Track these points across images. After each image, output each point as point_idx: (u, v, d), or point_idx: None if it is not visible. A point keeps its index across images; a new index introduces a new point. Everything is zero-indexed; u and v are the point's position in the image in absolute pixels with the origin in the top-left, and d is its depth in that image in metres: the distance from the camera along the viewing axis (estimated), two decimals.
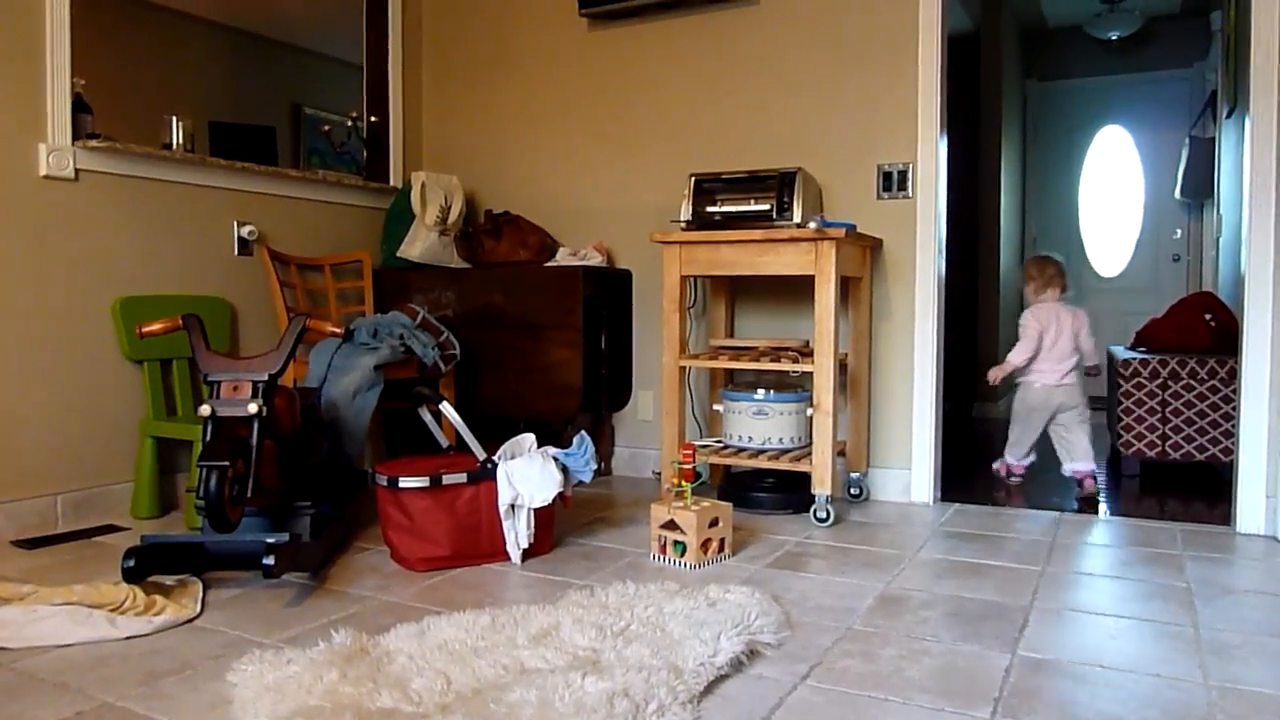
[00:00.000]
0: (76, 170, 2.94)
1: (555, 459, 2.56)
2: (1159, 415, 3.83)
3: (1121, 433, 3.90)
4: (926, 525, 3.02)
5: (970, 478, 3.83)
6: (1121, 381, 3.91)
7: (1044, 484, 3.72)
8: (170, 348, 3.15)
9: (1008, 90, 6.26)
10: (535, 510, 2.52)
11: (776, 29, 3.55)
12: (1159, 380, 3.84)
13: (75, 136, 2.93)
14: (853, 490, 3.36)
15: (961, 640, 1.97)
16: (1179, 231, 6.65)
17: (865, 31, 3.38)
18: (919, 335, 3.33)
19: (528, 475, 2.50)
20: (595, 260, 3.65)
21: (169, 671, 1.80)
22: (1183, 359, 3.82)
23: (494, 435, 2.75)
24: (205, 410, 2.24)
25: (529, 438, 2.70)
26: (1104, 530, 2.97)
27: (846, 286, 3.34)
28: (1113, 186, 6.88)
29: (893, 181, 3.36)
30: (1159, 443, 3.83)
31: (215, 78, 4.93)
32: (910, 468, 3.36)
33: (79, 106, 2.97)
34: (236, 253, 3.44)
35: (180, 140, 3.29)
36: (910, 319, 3.35)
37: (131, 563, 2.12)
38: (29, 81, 2.82)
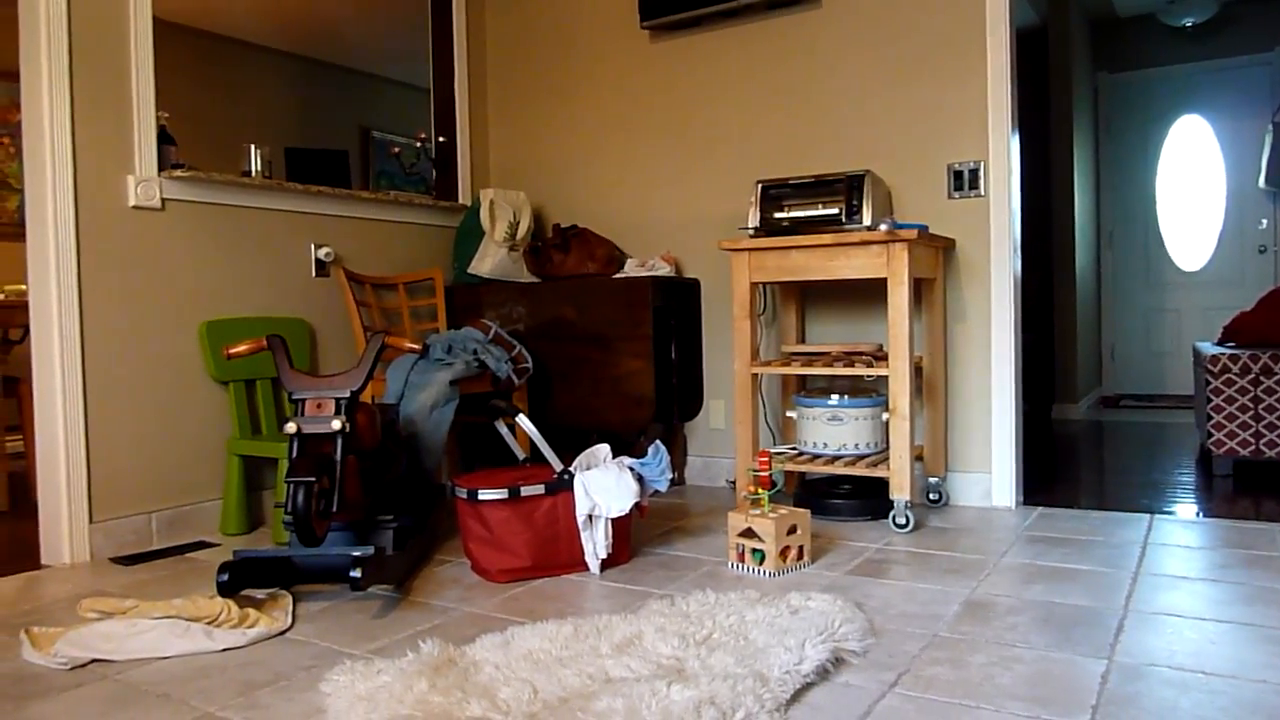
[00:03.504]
0: (163, 200, 3.05)
1: (631, 469, 2.57)
2: (1251, 413, 3.70)
3: (1212, 431, 3.77)
4: (1010, 529, 2.95)
5: (1053, 480, 3.74)
6: (1210, 378, 3.78)
7: (1133, 485, 3.61)
8: (254, 368, 3.25)
9: (1078, 83, 6.12)
10: (613, 520, 2.53)
11: (839, 31, 3.52)
12: (1250, 376, 3.70)
13: (161, 167, 3.04)
14: (931, 495, 3.31)
15: (1053, 647, 1.92)
16: (1264, 221, 6.41)
17: (930, 29, 3.34)
18: (996, 336, 3.26)
19: (604, 485, 2.51)
20: (664, 270, 3.66)
21: (264, 682, 1.84)
22: (1275, 353, 3.67)
23: (567, 447, 2.77)
24: (291, 428, 2.30)
25: (604, 448, 2.72)
26: (1197, 532, 2.87)
27: (919, 288, 3.30)
28: (1192, 178, 6.67)
29: (964, 180, 3.30)
30: (1252, 441, 3.69)
31: (288, 106, 5.09)
32: (990, 471, 3.29)
33: (163, 138, 3.08)
34: (314, 274, 3.53)
35: (258, 167, 3.39)
36: (986, 320, 3.29)
37: (225, 577, 2.18)
38: (118, 117, 2.94)
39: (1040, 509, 3.23)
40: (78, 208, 2.82)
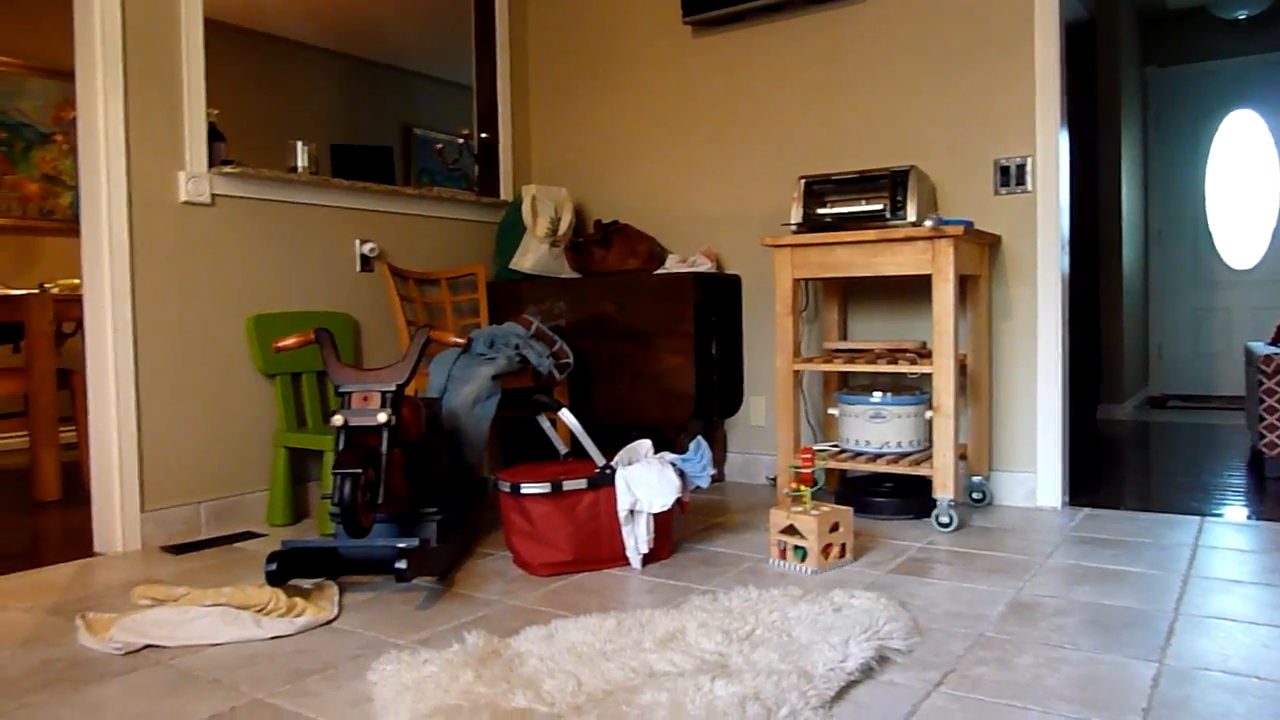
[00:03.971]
0: (212, 195, 3.10)
1: (673, 465, 2.57)
2: None
3: (1264, 433, 3.69)
4: (1055, 530, 2.91)
5: (1099, 481, 3.69)
6: (1264, 379, 3.70)
7: (1181, 487, 3.55)
8: (300, 362, 3.29)
9: (1126, 78, 6.01)
10: (654, 516, 2.53)
11: (884, 24, 3.50)
12: None
13: (211, 164, 3.09)
14: (974, 494, 3.27)
15: (1102, 649, 1.89)
16: None
17: (977, 22, 3.30)
18: (1042, 334, 3.22)
19: (646, 480, 2.51)
20: (705, 266, 3.66)
21: (313, 670, 1.87)
22: None
23: (607, 443, 2.78)
24: (338, 420, 2.33)
25: (645, 444, 2.72)
26: (1249, 535, 2.82)
27: (964, 285, 3.26)
28: (1243, 174, 6.53)
29: (1010, 176, 3.26)
30: None
31: (332, 103, 5.15)
32: (1035, 471, 3.25)
33: (213, 135, 3.13)
34: (359, 269, 3.57)
35: (305, 163, 3.44)
36: (1032, 317, 3.25)
37: (274, 567, 2.22)
38: (169, 114, 2.99)
39: (1086, 510, 3.19)
40: (131, 203, 2.88)
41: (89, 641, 2.02)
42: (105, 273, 2.84)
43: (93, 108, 2.84)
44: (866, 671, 1.77)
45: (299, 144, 3.44)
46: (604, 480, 2.52)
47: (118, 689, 1.79)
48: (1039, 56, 3.19)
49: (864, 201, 3.14)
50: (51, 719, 1.66)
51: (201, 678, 1.84)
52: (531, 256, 3.81)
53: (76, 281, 4.40)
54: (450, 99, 4.77)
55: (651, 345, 3.58)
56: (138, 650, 2.00)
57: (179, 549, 2.89)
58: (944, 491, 2.90)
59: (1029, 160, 3.23)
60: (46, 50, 5.47)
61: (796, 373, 3.19)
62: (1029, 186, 3.23)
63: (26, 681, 1.84)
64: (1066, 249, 3.29)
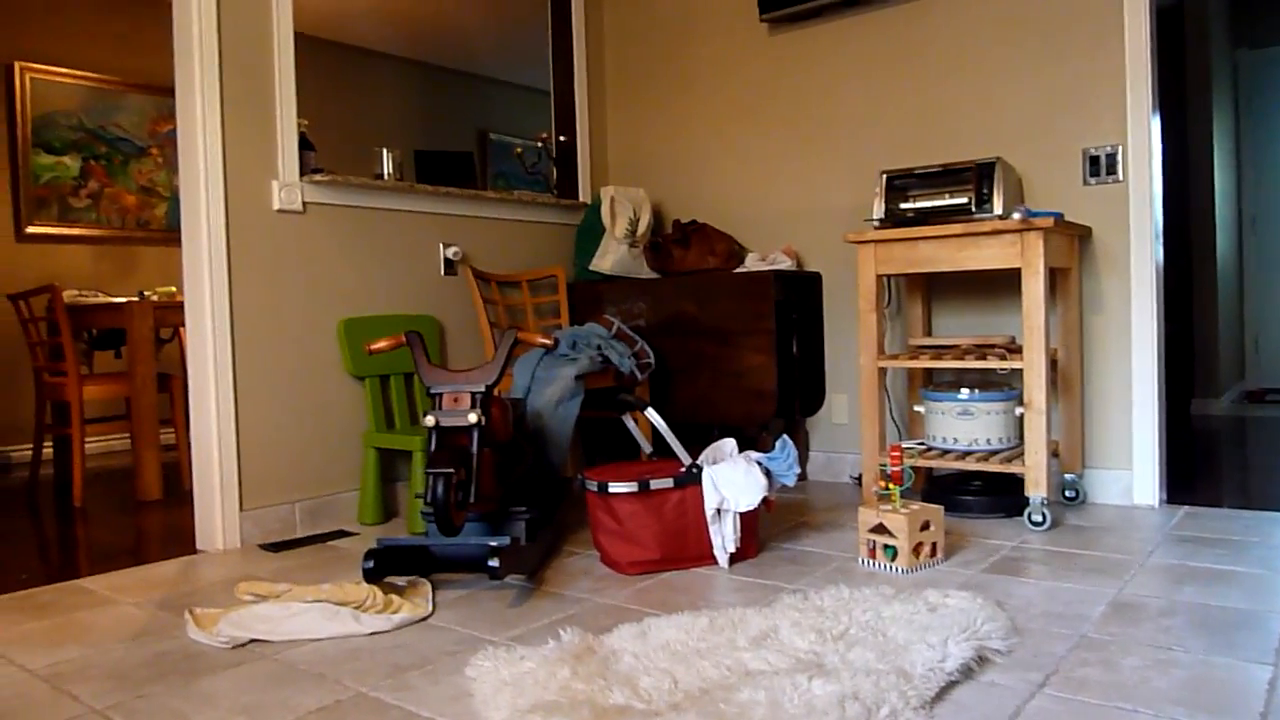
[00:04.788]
0: (304, 203, 3.19)
1: (759, 463, 2.56)
2: None
3: None
4: (1154, 529, 2.82)
5: (1196, 478, 3.56)
6: None
7: None
8: (389, 364, 3.36)
9: (1216, 61, 5.80)
10: (741, 514, 2.53)
11: (963, 14, 3.43)
12: None
13: (301, 172, 3.18)
14: (1067, 493, 3.19)
15: (1213, 651, 1.83)
16: None
17: (1062, 7, 3.22)
18: (1136, 326, 3.13)
19: (733, 479, 2.51)
20: (785, 264, 3.64)
21: (411, 665, 1.91)
22: None
23: (688, 442, 2.78)
24: (430, 420, 2.37)
25: (730, 442, 2.72)
26: None
27: (1054, 279, 3.19)
28: None
29: (1100, 165, 3.17)
30: None
31: (411, 111, 5.26)
32: (1131, 468, 3.15)
33: (303, 144, 3.22)
34: (443, 273, 3.64)
35: (390, 170, 3.51)
36: (1125, 310, 3.15)
37: (371, 564, 2.27)
38: (263, 125, 3.09)
39: (1186, 508, 3.08)
40: (228, 213, 2.98)
41: (197, 635, 2.10)
42: (205, 280, 2.94)
43: (192, 122, 2.94)
44: (966, 672, 1.75)
45: (384, 151, 3.51)
46: (691, 479, 2.53)
47: (228, 681, 1.86)
48: (1129, 40, 3.10)
49: (948, 195, 3.08)
50: (168, 709, 1.73)
51: (306, 671, 1.90)
52: (611, 257, 3.84)
53: (172, 289, 4.57)
54: (524, 103, 4.84)
55: (732, 344, 3.57)
56: (244, 644, 2.06)
57: (276, 547, 2.98)
58: (1037, 490, 2.84)
59: (1120, 148, 3.14)
60: (142, 67, 5.69)
61: (881, 370, 3.15)
62: (1120, 176, 3.14)
63: (142, 672, 1.91)
64: (1160, 239, 3.19)
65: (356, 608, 2.17)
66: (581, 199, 4.26)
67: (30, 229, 5.24)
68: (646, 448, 2.85)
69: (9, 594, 2.54)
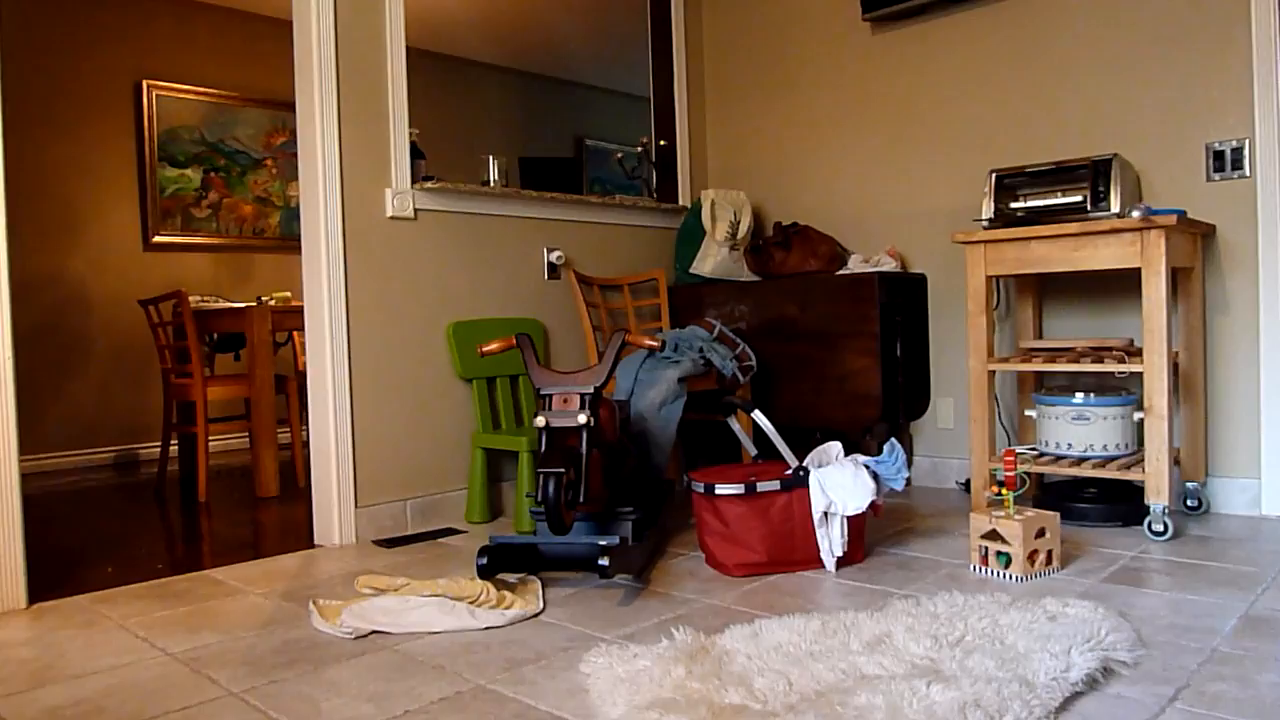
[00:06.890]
0: (415, 210, 3.29)
1: (866, 466, 2.54)
2: None
3: None
4: None
5: None
6: None
7: None
8: (496, 367, 3.44)
9: None
10: (848, 518, 2.51)
11: (1075, 7, 3.33)
12: None
13: (413, 180, 3.28)
14: (1189, 502, 3.07)
15: None
16: None
17: None
18: (1265, 329, 2.99)
19: (840, 483, 2.49)
20: (889, 266, 3.59)
21: (527, 660, 1.95)
22: None
23: (792, 444, 2.77)
24: (540, 421, 2.42)
25: (835, 446, 2.70)
26: None
27: (1175, 279, 3.07)
28: None
29: (1225, 160, 3.05)
30: None
31: (513, 118, 5.37)
32: (1259, 476, 3.01)
33: (414, 153, 3.32)
34: (546, 277, 3.70)
35: (496, 176, 3.60)
36: (1253, 311, 3.02)
37: (484, 561, 2.33)
38: (377, 135, 3.20)
39: None
40: (344, 220, 3.09)
41: (321, 625, 2.18)
42: (324, 285, 3.06)
43: (311, 134, 3.07)
44: (1090, 683, 1.70)
45: (490, 158, 3.60)
46: (797, 482, 2.52)
47: (353, 670, 1.93)
48: (1256, 28, 2.97)
49: (1061, 193, 3.00)
50: (299, 695, 1.80)
51: (425, 663, 1.96)
52: (711, 260, 3.85)
53: (287, 294, 4.76)
54: (620, 109, 4.89)
55: (835, 346, 3.54)
56: (365, 635, 2.14)
57: (389, 543, 3.08)
58: (1157, 498, 2.73)
59: (1246, 142, 3.00)
60: (258, 82, 5.95)
61: (991, 373, 3.08)
62: (1246, 171, 3.01)
63: (273, 659, 2.00)
64: None
65: (471, 603, 2.23)
66: (681, 202, 4.28)
67: (157, 238, 5.52)
68: (752, 449, 2.84)
69: (146, 582, 2.69)
